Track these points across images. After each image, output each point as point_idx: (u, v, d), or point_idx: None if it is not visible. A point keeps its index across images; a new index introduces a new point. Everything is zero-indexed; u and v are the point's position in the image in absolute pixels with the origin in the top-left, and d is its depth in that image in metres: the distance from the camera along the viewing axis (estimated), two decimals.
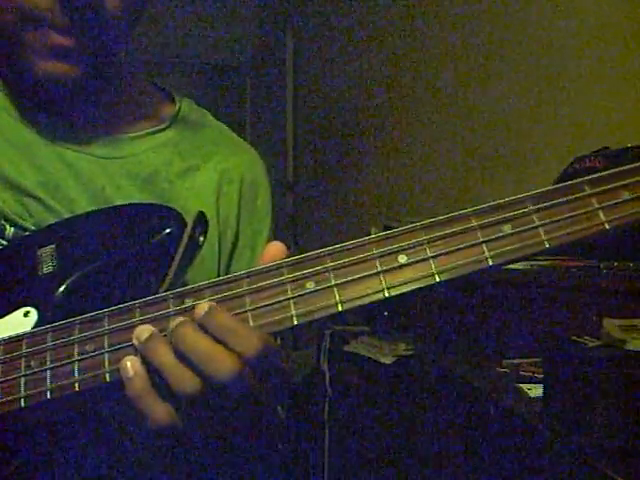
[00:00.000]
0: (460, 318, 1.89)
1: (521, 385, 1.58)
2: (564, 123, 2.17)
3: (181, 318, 0.62)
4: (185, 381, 0.60)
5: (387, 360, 2.26)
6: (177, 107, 0.92)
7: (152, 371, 0.61)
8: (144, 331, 0.62)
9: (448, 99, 2.78)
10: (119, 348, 0.64)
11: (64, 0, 0.73)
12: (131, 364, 0.62)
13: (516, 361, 1.71)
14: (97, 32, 0.76)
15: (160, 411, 0.61)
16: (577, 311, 1.69)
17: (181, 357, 0.60)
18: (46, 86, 0.78)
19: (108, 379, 0.63)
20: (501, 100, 2.48)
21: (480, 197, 2.53)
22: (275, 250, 0.66)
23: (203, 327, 0.61)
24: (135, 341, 0.62)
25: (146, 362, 0.62)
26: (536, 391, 1.51)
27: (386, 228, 2.52)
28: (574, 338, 1.44)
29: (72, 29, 0.74)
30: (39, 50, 0.75)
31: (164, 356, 0.61)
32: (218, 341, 0.60)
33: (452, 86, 2.75)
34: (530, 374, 1.63)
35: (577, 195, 0.62)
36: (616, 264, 1.66)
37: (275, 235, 0.95)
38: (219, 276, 0.86)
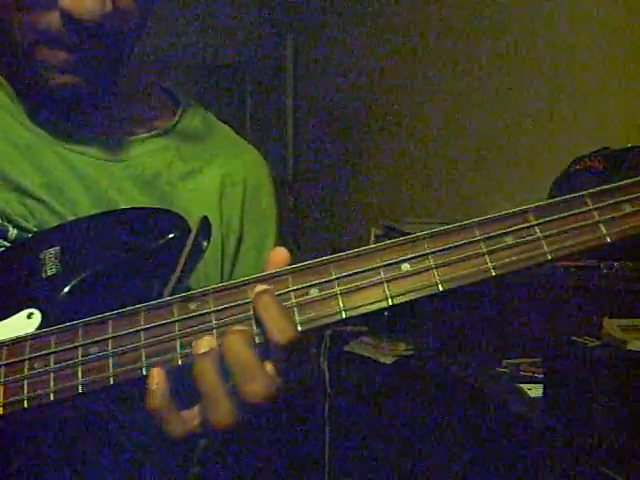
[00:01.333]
0: (460, 318, 1.89)
1: (521, 385, 1.59)
2: (564, 123, 2.17)
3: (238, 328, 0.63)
4: (219, 407, 0.62)
5: (387, 360, 2.27)
6: (181, 109, 0.92)
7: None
8: (204, 344, 0.63)
9: (450, 99, 2.78)
10: (123, 351, 0.64)
11: (70, 22, 0.75)
12: (156, 376, 0.63)
13: (516, 361, 1.71)
14: (102, 49, 0.78)
15: (176, 423, 0.63)
16: (577, 311, 1.69)
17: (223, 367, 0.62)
18: (56, 96, 0.80)
19: (112, 382, 0.64)
20: (502, 101, 2.48)
21: (481, 196, 2.53)
22: (278, 256, 0.67)
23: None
24: (194, 351, 0.63)
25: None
26: (536, 391, 1.52)
27: (386, 229, 2.52)
28: (574, 338, 1.45)
29: (79, 47, 0.77)
30: (49, 65, 0.77)
31: (209, 374, 0.62)
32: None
33: (454, 86, 2.75)
34: (530, 374, 1.63)
35: (579, 208, 0.63)
36: (616, 264, 1.67)
37: (280, 236, 0.95)
38: (222, 278, 0.87)
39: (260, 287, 0.63)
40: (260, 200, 0.93)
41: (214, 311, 0.64)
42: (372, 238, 2.45)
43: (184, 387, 0.64)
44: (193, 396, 0.64)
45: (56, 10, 0.75)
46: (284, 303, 0.64)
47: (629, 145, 1.67)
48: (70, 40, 0.76)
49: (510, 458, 1.50)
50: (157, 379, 0.63)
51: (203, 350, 0.62)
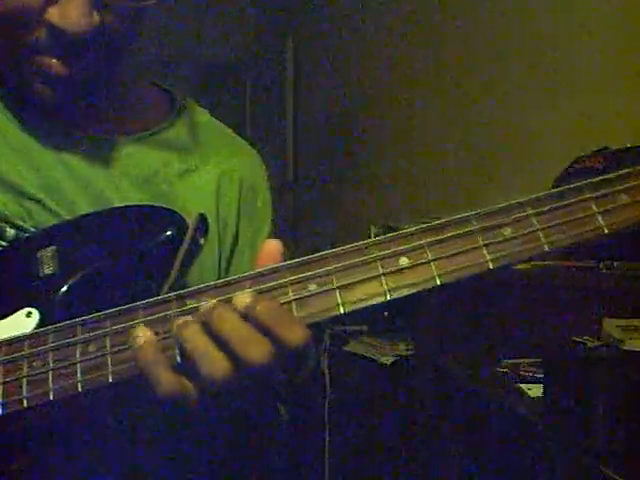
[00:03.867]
0: (460, 318, 1.89)
1: (521, 385, 1.58)
2: (564, 123, 2.17)
3: (215, 302, 0.62)
4: (217, 364, 0.61)
5: (387, 360, 2.27)
6: (177, 108, 0.92)
7: (183, 354, 0.62)
8: (182, 320, 0.63)
9: (449, 99, 2.78)
10: (122, 349, 0.64)
11: (57, 35, 0.75)
12: (142, 333, 0.63)
13: (516, 361, 1.71)
14: (91, 59, 0.78)
15: (171, 381, 0.62)
16: (577, 311, 1.69)
17: (217, 341, 0.61)
18: (46, 104, 0.80)
19: (110, 380, 0.64)
20: (502, 100, 2.48)
21: (480, 196, 2.53)
22: (271, 248, 0.67)
23: (245, 315, 0.62)
24: (174, 328, 0.63)
25: (180, 344, 0.62)
26: (536, 391, 1.52)
27: (386, 228, 2.52)
28: (574, 338, 1.45)
29: (66, 57, 0.76)
30: (38, 77, 0.77)
31: (198, 339, 0.62)
32: (259, 329, 0.61)
33: (453, 85, 2.75)
34: (530, 374, 1.63)
35: (576, 199, 0.63)
36: (616, 264, 1.67)
37: (275, 235, 0.95)
38: (219, 276, 0.87)
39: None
40: (255, 199, 0.93)
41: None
42: (372, 237, 2.45)
43: None
44: None
45: (43, 24, 0.75)
46: (282, 298, 0.64)
47: (629, 145, 1.67)
48: (57, 51, 0.76)
49: (510, 458, 1.50)
50: (143, 333, 0.63)
51: (181, 320, 0.62)
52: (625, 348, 1.37)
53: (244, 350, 0.61)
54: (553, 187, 1.88)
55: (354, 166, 3.52)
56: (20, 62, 0.77)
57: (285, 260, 0.66)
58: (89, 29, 0.74)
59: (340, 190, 3.65)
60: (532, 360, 1.68)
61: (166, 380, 0.62)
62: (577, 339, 1.43)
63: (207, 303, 0.63)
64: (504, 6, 2.47)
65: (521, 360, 1.71)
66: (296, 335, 0.62)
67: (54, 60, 0.76)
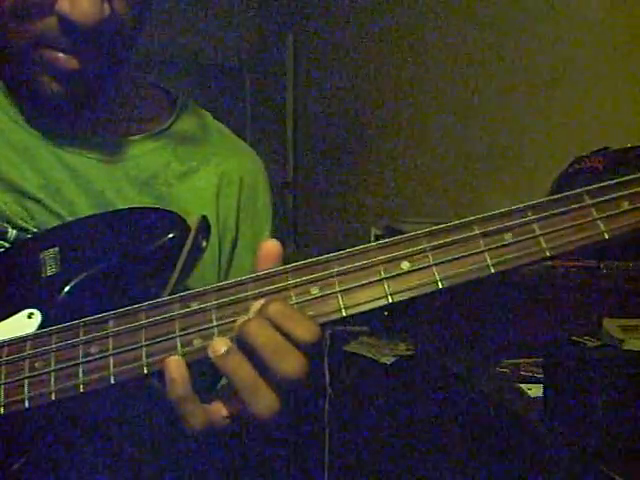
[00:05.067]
0: (460, 318, 1.89)
1: (521, 385, 1.58)
2: (564, 123, 2.17)
3: (249, 316, 0.63)
4: (261, 397, 0.62)
5: (387, 360, 2.27)
6: (178, 108, 0.92)
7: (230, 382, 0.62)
8: (221, 345, 0.62)
9: (450, 98, 2.78)
10: (124, 350, 0.64)
11: (67, 26, 0.74)
12: (176, 365, 0.63)
13: (516, 361, 1.71)
14: (100, 52, 0.78)
15: (199, 414, 0.63)
16: (577, 311, 1.69)
17: (252, 357, 0.62)
18: (52, 102, 0.79)
19: (112, 381, 0.64)
20: (502, 100, 2.48)
21: (481, 197, 2.54)
22: (270, 248, 0.67)
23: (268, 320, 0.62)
24: (211, 354, 0.63)
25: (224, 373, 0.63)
26: (536, 391, 1.52)
27: (387, 229, 2.52)
28: (574, 338, 1.45)
29: (76, 50, 0.76)
30: (45, 70, 0.77)
31: (242, 368, 0.62)
32: (279, 332, 0.61)
33: (453, 85, 2.75)
34: (530, 374, 1.63)
35: (577, 205, 0.63)
36: (616, 264, 1.67)
37: (275, 235, 0.95)
38: (219, 277, 0.87)
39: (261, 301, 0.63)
40: (256, 200, 0.93)
41: (215, 309, 0.65)
42: (372, 238, 2.46)
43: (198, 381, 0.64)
44: (205, 388, 0.64)
45: (53, 15, 0.74)
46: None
47: (629, 145, 1.67)
48: (67, 43, 0.75)
49: (510, 458, 1.50)
50: (178, 367, 0.63)
51: (224, 349, 0.62)
52: (625, 348, 1.37)
53: (277, 362, 0.61)
54: (553, 186, 1.89)
55: (354, 166, 3.52)
56: (28, 55, 0.76)
57: (284, 260, 0.66)
58: (100, 21, 0.74)
59: (340, 191, 3.65)
60: (532, 360, 1.68)
61: (196, 416, 0.63)
62: (577, 339, 1.44)
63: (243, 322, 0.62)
64: (504, 7, 2.47)
65: (521, 360, 1.71)
66: (309, 331, 0.62)
67: (63, 53, 0.76)
